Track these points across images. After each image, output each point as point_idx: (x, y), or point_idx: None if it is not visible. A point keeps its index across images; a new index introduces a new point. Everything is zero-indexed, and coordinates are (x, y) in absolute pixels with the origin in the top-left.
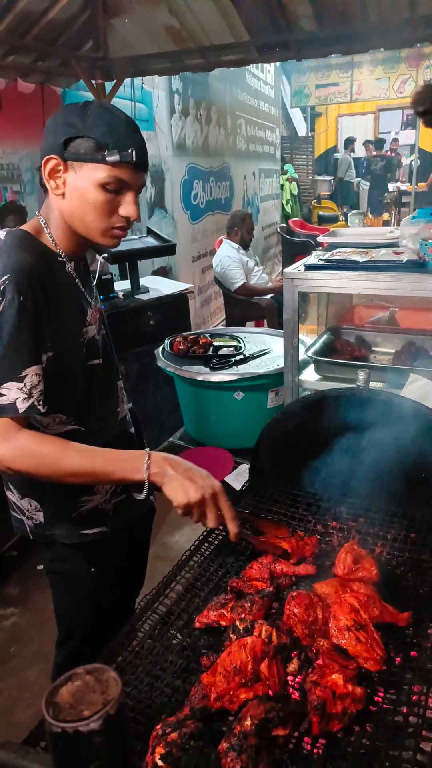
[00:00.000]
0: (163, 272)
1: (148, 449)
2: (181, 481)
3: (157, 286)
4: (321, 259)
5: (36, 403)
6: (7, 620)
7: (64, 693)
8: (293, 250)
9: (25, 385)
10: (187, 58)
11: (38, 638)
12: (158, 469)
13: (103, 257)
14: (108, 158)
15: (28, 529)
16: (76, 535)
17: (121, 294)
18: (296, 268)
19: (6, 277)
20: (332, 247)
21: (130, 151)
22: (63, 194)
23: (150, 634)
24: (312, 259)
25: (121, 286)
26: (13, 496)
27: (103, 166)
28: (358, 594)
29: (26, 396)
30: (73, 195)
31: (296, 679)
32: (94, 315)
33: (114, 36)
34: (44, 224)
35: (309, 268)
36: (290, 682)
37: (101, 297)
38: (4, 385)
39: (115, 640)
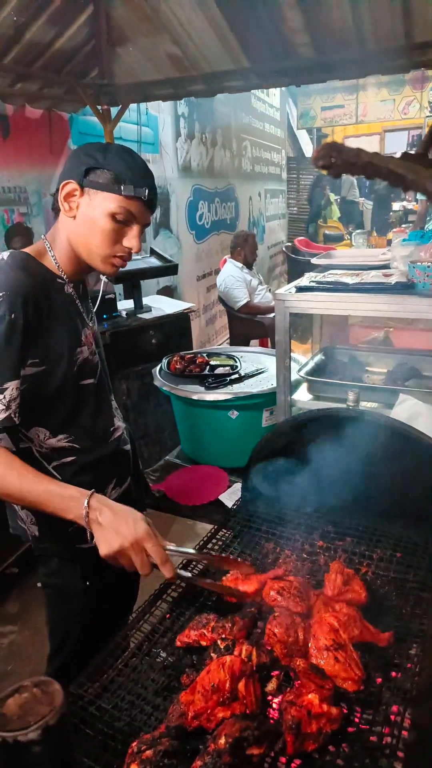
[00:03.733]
0: (168, 291)
1: (92, 491)
2: (103, 532)
3: (160, 305)
4: (312, 281)
5: (12, 415)
6: (6, 638)
7: (11, 704)
8: (299, 268)
9: (4, 398)
10: (189, 85)
11: (36, 656)
12: (93, 516)
13: (106, 277)
14: (123, 191)
15: (30, 538)
16: (71, 549)
17: (124, 313)
18: (288, 289)
19: (1, 294)
20: (325, 268)
21: (143, 188)
22: (74, 216)
23: (134, 652)
24: (304, 280)
25: (125, 305)
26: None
27: (116, 197)
28: (338, 614)
29: (4, 408)
30: (84, 219)
31: (275, 699)
32: (89, 336)
33: (119, 63)
34: (48, 247)
35: (300, 290)
36: (270, 702)
37: (104, 316)
38: None
39: (99, 657)
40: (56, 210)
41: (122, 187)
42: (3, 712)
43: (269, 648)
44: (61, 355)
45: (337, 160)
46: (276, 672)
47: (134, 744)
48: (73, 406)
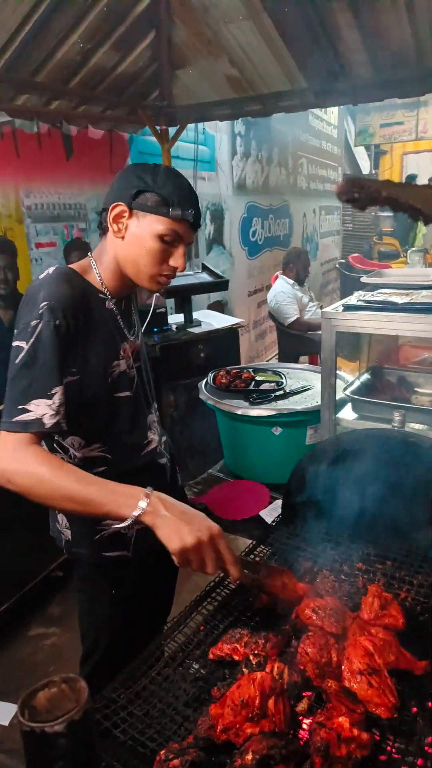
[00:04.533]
0: (219, 306)
1: (150, 488)
2: (176, 524)
3: (210, 320)
4: (361, 300)
5: (61, 420)
6: (48, 639)
7: (41, 697)
8: (352, 286)
9: (54, 402)
10: (246, 105)
11: (76, 659)
12: (151, 509)
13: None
14: (171, 213)
15: (64, 542)
16: (99, 556)
17: (174, 327)
18: (335, 308)
19: (45, 303)
20: (375, 287)
21: (189, 210)
22: (123, 237)
23: (167, 662)
24: (353, 299)
25: (176, 319)
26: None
27: (164, 219)
28: (374, 638)
29: (54, 413)
30: (132, 240)
31: (306, 720)
32: (128, 350)
33: (178, 86)
34: (94, 264)
35: (348, 308)
36: (300, 722)
37: (155, 329)
38: (33, 401)
39: (133, 664)
40: (103, 229)
41: (170, 210)
42: (33, 704)
43: (302, 668)
44: (96, 366)
45: (360, 194)
46: (308, 693)
47: (162, 752)
48: (106, 417)
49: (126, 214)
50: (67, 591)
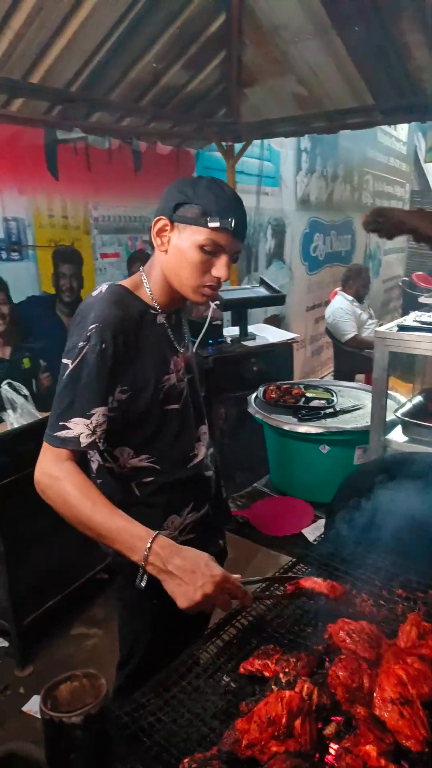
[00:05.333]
0: (276, 320)
1: (157, 532)
2: (179, 584)
3: (265, 334)
4: (417, 320)
5: (97, 440)
6: (90, 640)
7: (63, 690)
8: (415, 304)
9: (91, 423)
10: (312, 122)
11: (115, 663)
12: (154, 560)
13: (216, 304)
14: (209, 224)
15: (111, 551)
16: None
17: (229, 339)
18: (390, 327)
19: (94, 326)
20: None
21: (230, 220)
22: (166, 251)
23: (198, 673)
24: (409, 319)
25: (231, 331)
26: None
27: (204, 230)
28: (409, 667)
29: (90, 432)
30: (175, 252)
31: (333, 744)
32: (178, 363)
33: (245, 103)
34: (145, 280)
35: (402, 328)
36: (327, 746)
37: (210, 341)
38: (73, 419)
39: (165, 672)
40: (152, 244)
41: (208, 220)
42: (55, 695)
43: (332, 690)
44: (147, 382)
45: (384, 224)
46: (337, 717)
47: (186, 761)
48: (155, 429)
49: (168, 228)
50: (110, 594)
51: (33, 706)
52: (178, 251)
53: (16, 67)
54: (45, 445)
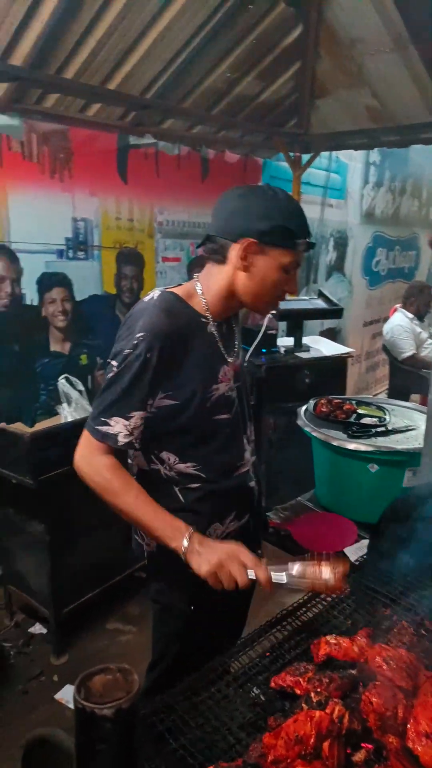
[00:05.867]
0: (332, 333)
1: (192, 528)
2: (202, 554)
3: (319, 347)
4: None
5: (134, 441)
6: (124, 636)
7: (97, 681)
8: None
9: (130, 425)
10: (383, 135)
11: (147, 662)
12: (191, 546)
13: (272, 313)
14: (299, 246)
15: (145, 554)
16: (182, 570)
17: (282, 349)
18: None
19: (142, 334)
20: None
21: (310, 240)
22: (245, 269)
23: (228, 681)
24: None
25: (285, 341)
26: None
27: (290, 252)
28: None
29: (128, 433)
30: (257, 273)
31: None
32: (228, 372)
33: (316, 114)
34: (200, 289)
35: None
36: None
37: (263, 350)
38: (114, 418)
39: (196, 676)
40: (217, 259)
41: (297, 243)
42: (89, 685)
43: (364, 716)
44: (193, 392)
45: None
46: (367, 744)
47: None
48: (203, 437)
49: (254, 249)
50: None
51: (65, 695)
52: (261, 272)
53: (96, 73)
54: (86, 434)
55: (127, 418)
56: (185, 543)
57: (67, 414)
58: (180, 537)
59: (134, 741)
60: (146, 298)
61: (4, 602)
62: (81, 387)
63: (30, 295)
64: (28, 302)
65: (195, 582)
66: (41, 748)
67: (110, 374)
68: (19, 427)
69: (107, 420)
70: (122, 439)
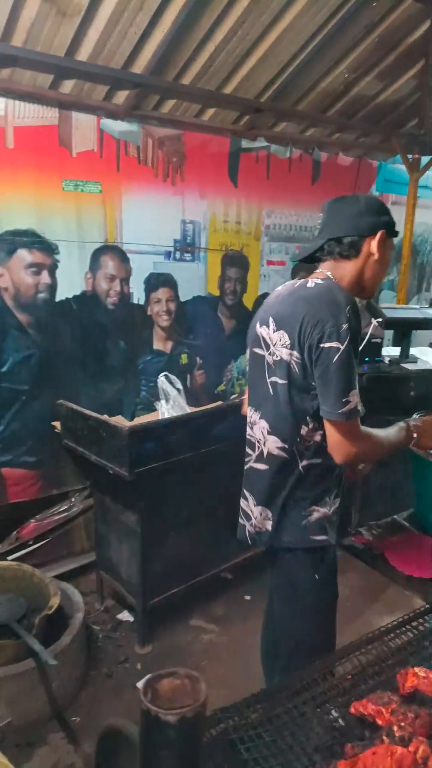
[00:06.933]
0: None
1: (406, 421)
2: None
3: (428, 358)
4: None
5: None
6: (207, 635)
7: (165, 685)
8: None
9: (358, 392)
10: None
11: (227, 664)
12: (415, 434)
13: (378, 321)
14: (396, 235)
15: (247, 534)
16: (306, 539)
17: (387, 359)
18: None
19: (348, 306)
20: None
21: None
22: (377, 257)
23: (307, 699)
24: None
25: (391, 351)
26: (246, 503)
27: (393, 241)
28: None
29: (360, 401)
30: (382, 260)
31: None
32: None
33: None
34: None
35: None
36: None
37: (366, 359)
38: (351, 392)
39: (275, 689)
40: (347, 255)
41: (397, 232)
42: (157, 687)
43: None
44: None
45: None
46: None
47: None
48: None
49: (384, 239)
50: (232, 595)
51: None
52: (386, 258)
53: (213, 78)
54: (338, 424)
55: (357, 387)
56: (414, 436)
57: (164, 411)
58: (409, 435)
59: (198, 750)
60: (308, 284)
61: (96, 587)
62: (179, 385)
63: (137, 294)
64: (135, 301)
65: (320, 547)
66: (115, 739)
67: (336, 356)
68: (119, 420)
69: (348, 398)
70: (361, 408)
